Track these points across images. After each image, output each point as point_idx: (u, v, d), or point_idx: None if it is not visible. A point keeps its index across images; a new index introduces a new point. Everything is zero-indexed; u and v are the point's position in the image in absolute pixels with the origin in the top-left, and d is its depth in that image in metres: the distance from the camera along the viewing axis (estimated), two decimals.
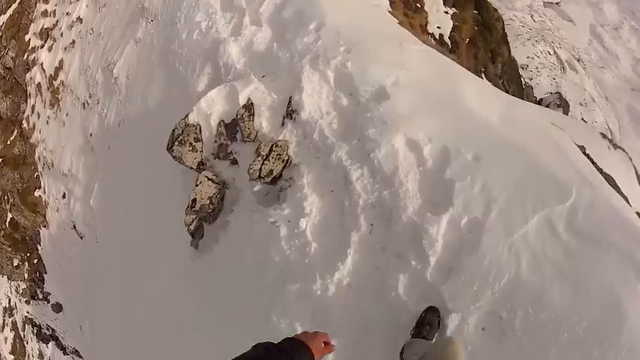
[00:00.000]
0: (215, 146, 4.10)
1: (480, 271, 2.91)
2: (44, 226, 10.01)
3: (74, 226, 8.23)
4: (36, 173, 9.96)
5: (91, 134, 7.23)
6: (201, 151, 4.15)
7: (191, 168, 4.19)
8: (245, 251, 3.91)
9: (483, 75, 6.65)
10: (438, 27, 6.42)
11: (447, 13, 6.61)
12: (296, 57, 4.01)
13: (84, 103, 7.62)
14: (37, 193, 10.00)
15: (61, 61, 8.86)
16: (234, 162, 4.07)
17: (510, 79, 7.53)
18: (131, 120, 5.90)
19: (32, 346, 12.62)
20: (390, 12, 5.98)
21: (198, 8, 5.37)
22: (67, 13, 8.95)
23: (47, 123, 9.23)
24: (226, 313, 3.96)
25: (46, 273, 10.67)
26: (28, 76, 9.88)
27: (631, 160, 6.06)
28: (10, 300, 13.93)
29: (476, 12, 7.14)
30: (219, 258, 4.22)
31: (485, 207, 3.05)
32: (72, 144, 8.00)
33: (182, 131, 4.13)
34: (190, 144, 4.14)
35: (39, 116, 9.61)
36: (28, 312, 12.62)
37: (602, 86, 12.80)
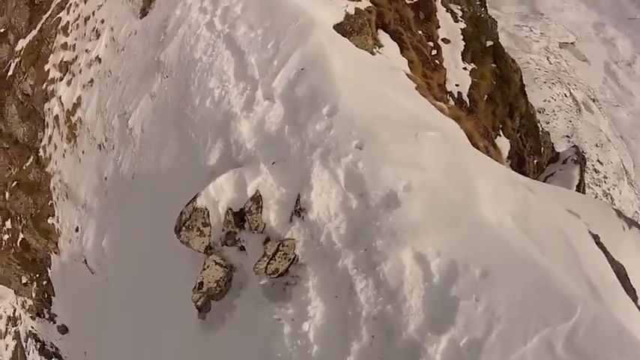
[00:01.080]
0: (223, 234, 4.14)
1: None
2: (55, 253, 10.18)
3: (85, 261, 8.37)
4: (50, 201, 10.13)
5: (105, 177, 7.34)
6: (209, 236, 4.20)
7: (198, 251, 4.24)
8: (249, 339, 3.97)
9: (501, 131, 6.67)
10: (457, 84, 6.44)
11: (465, 69, 6.61)
12: (307, 148, 4.03)
13: (100, 145, 7.74)
14: (50, 221, 10.17)
15: (79, 98, 9.02)
16: (242, 248, 4.11)
17: (528, 132, 7.57)
18: (144, 177, 5.98)
19: (33, 357, 12.80)
20: (408, 74, 5.98)
21: (211, 73, 5.38)
22: (87, 50, 9.10)
23: (63, 156, 9.39)
24: None
25: (54, 295, 10.85)
26: (46, 106, 10.07)
27: None
28: (15, 310, 14.16)
29: (494, 65, 7.12)
30: (224, 339, 4.26)
31: (487, 327, 3.02)
32: (87, 182, 8.13)
33: (190, 216, 4.19)
34: (198, 229, 4.19)
35: (55, 147, 9.79)
36: (32, 327, 12.79)
37: (617, 125, 12.68)
